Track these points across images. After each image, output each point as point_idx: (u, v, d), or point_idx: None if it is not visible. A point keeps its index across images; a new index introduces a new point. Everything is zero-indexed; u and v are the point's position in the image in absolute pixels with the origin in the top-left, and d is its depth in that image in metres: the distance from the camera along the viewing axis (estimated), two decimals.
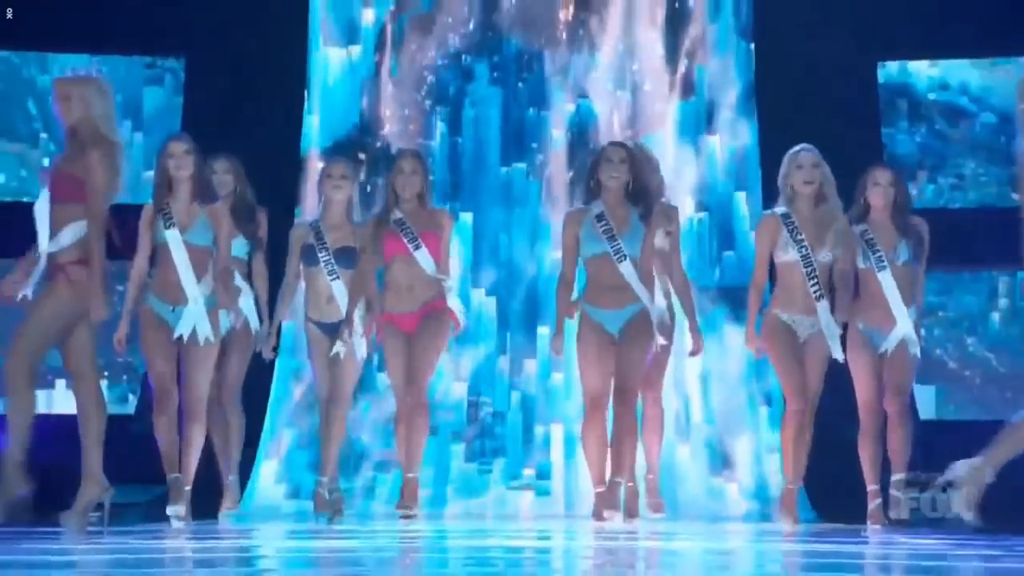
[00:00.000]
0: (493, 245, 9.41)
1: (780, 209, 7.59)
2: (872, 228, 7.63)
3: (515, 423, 9.11)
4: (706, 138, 9.46)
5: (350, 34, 9.62)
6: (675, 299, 7.94)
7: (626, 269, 7.41)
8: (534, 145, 9.51)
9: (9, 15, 9.46)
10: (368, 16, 9.63)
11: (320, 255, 7.81)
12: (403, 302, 7.78)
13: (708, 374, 9.13)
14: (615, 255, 7.41)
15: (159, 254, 7.28)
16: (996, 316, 9.92)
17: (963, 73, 9.98)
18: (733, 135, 9.46)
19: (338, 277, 7.79)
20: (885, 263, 7.56)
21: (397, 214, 7.80)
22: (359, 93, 9.54)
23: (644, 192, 7.53)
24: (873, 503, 7.64)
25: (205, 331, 7.21)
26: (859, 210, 7.66)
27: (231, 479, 8.08)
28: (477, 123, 9.57)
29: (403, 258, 7.78)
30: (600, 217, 7.46)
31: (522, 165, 9.50)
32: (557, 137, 9.50)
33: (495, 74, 9.58)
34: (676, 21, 9.55)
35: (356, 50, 9.59)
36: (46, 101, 10.01)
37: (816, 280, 7.49)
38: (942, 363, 9.57)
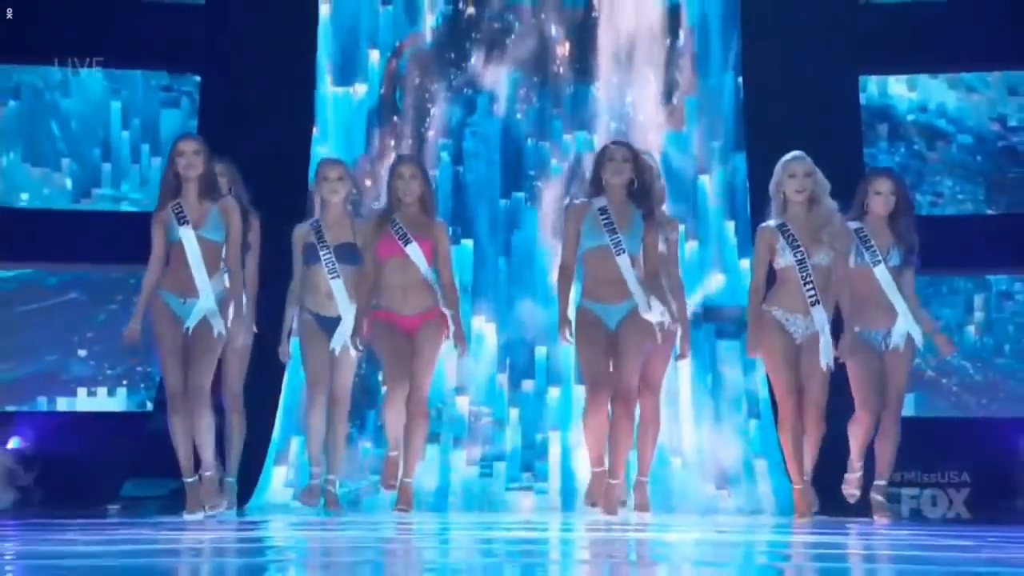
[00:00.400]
0: (493, 271, 9.60)
1: (775, 221, 7.63)
2: (867, 228, 7.69)
3: (514, 431, 9.27)
4: (696, 167, 9.72)
5: (355, 72, 9.89)
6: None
7: (623, 262, 7.38)
8: (532, 174, 9.77)
9: (9, 15, 9.58)
10: (373, 55, 9.91)
11: (321, 252, 7.88)
12: (397, 305, 7.73)
13: (698, 386, 9.31)
14: (614, 248, 7.39)
15: (172, 251, 7.33)
16: (972, 328, 10.10)
17: (941, 96, 10.19)
18: (722, 164, 9.73)
19: (338, 275, 7.87)
20: (880, 258, 7.62)
21: (394, 216, 7.80)
22: (364, 126, 9.79)
23: (647, 193, 7.55)
24: (854, 475, 7.71)
25: (218, 325, 7.29)
26: (858, 213, 7.72)
27: (228, 480, 8.03)
28: (478, 154, 9.83)
29: (397, 260, 7.75)
30: (603, 211, 7.45)
31: (521, 194, 9.74)
32: (555, 167, 9.78)
33: (495, 107, 9.87)
34: (668, 56, 9.87)
35: (362, 88, 9.85)
36: (69, 124, 10.23)
37: (812, 285, 7.49)
38: (921, 371, 9.68)
